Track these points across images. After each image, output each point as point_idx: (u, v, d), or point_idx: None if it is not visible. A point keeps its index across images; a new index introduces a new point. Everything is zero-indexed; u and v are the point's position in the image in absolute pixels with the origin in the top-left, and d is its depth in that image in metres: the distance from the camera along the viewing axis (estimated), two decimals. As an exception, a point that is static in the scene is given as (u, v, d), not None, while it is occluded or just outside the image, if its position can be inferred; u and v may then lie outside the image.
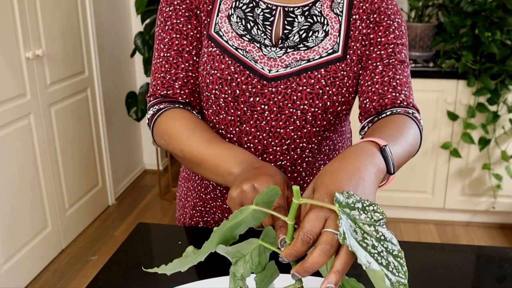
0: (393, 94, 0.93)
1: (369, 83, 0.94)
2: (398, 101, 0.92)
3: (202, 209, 1.10)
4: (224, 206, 1.06)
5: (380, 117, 0.92)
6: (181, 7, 0.98)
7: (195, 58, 0.98)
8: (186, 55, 0.98)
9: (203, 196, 1.09)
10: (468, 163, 2.78)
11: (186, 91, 0.98)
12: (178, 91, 0.97)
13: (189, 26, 0.98)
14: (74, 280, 2.45)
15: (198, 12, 0.98)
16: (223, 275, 0.84)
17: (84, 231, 2.91)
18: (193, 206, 1.11)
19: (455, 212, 2.93)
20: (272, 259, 0.65)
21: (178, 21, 0.98)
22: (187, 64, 0.98)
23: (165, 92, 0.97)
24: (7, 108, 2.21)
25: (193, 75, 0.98)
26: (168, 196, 3.33)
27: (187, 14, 0.98)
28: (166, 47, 0.98)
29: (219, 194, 1.06)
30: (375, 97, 0.93)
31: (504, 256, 0.96)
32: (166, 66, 0.98)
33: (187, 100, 0.98)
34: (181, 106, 0.97)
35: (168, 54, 0.98)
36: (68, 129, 2.72)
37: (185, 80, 0.98)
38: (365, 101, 0.95)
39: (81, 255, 2.67)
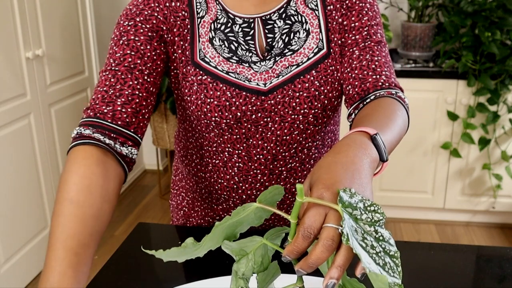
0: (374, 77, 0.91)
1: (348, 69, 0.93)
2: (380, 83, 0.91)
3: (211, 220, 1.10)
4: None
5: (364, 102, 0.91)
6: (143, 25, 0.91)
7: (146, 78, 0.89)
8: (137, 73, 0.88)
9: (215, 207, 1.08)
10: (468, 163, 2.78)
11: (129, 110, 0.86)
12: (119, 108, 0.85)
13: (148, 47, 0.90)
14: (74, 280, 2.45)
15: (170, 36, 0.93)
16: (223, 275, 0.84)
17: (84, 231, 2.90)
18: (203, 216, 1.11)
19: (455, 212, 2.93)
20: (274, 258, 0.65)
21: (137, 39, 0.90)
22: (135, 82, 0.88)
23: (104, 107, 0.85)
24: (7, 108, 2.20)
25: (141, 94, 0.88)
26: (168, 196, 3.33)
27: (149, 34, 0.91)
28: (116, 62, 0.89)
29: (232, 205, 1.06)
30: (356, 83, 0.92)
31: (504, 256, 0.96)
32: (112, 80, 0.87)
33: (126, 120, 0.86)
34: (106, 140, 0.83)
35: (117, 69, 0.88)
36: (68, 129, 2.72)
37: (129, 98, 0.86)
38: (347, 88, 0.94)
39: (81, 255, 2.67)
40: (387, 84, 0.91)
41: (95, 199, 0.77)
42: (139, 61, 0.89)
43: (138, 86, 0.88)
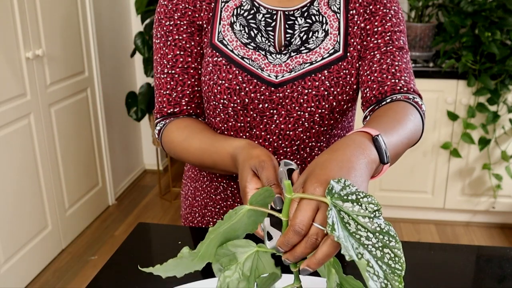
0: (393, 80, 0.92)
1: (368, 72, 0.94)
2: (398, 87, 0.91)
3: (213, 209, 1.10)
4: (235, 205, 1.06)
5: (380, 105, 0.91)
6: (182, 23, 0.97)
7: (199, 72, 0.99)
8: (191, 71, 0.98)
9: (213, 196, 1.08)
10: (468, 163, 2.78)
11: (193, 105, 1.00)
12: (184, 107, 0.99)
13: (192, 43, 0.98)
14: (74, 280, 2.45)
15: (200, 22, 0.97)
16: (223, 275, 0.84)
17: (84, 231, 2.91)
18: (204, 206, 1.11)
19: (455, 212, 2.93)
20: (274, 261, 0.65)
21: (181, 37, 0.97)
22: (193, 80, 0.99)
23: (171, 110, 0.99)
24: (7, 108, 2.21)
25: (198, 89, 1.00)
26: (168, 196, 3.33)
27: (189, 30, 0.97)
28: (170, 63, 0.98)
29: (229, 194, 1.06)
30: (374, 86, 0.93)
31: (504, 256, 0.96)
32: (172, 83, 0.98)
33: (192, 113, 1.00)
34: (185, 116, 1.00)
35: (173, 71, 0.98)
36: (68, 129, 2.72)
37: (191, 96, 0.99)
38: (365, 91, 0.94)
39: (81, 255, 2.67)
40: (405, 88, 0.91)
41: (196, 126, 0.97)
42: (190, 59, 0.98)
43: (196, 83, 0.99)
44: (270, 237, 0.64)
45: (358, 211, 0.54)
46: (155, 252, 1.01)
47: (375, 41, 0.95)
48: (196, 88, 0.99)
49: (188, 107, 0.99)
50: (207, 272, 0.85)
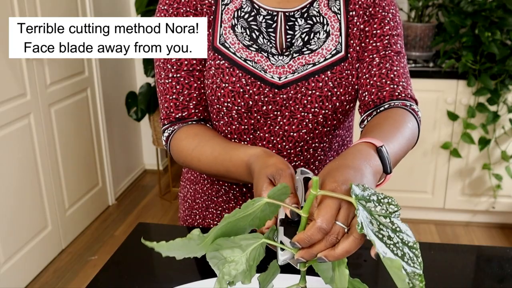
0: (391, 86, 0.93)
1: (367, 75, 0.95)
2: (396, 93, 0.93)
3: (214, 211, 1.10)
4: (238, 207, 1.06)
5: (378, 110, 0.92)
6: None
7: (204, 74, 0.98)
8: (197, 73, 0.96)
9: (215, 199, 1.08)
10: (468, 163, 2.78)
11: (201, 108, 0.98)
12: (193, 110, 0.97)
13: None
14: (74, 280, 2.45)
15: None
16: (223, 275, 0.84)
17: (84, 231, 2.91)
18: (205, 208, 1.11)
19: (455, 212, 2.93)
20: (271, 258, 0.65)
21: None
22: (199, 82, 0.97)
23: (180, 114, 0.97)
24: (7, 108, 2.21)
25: (205, 91, 0.98)
26: (168, 196, 3.33)
27: None
28: (175, 67, 0.96)
29: (232, 197, 1.06)
30: (373, 90, 0.94)
31: (504, 256, 0.96)
32: (178, 87, 0.96)
33: (201, 117, 0.98)
34: (193, 122, 0.97)
35: (179, 75, 0.96)
36: (68, 129, 2.72)
37: (198, 99, 0.97)
38: (364, 94, 0.95)
39: (81, 255, 2.67)
40: (403, 95, 0.93)
41: (207, 133, 0.94)
42: (194, 61, 0.96)
43: (202, 85, 0.97)
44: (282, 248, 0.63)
45: (379, 211, 0.56)
46: (155, 252, 1.01)
47: (374, 44, 0.95)
48: (202, 91, 0.97)
49: (196, 110, 0.97)
50: (207, 272, 0.85)
